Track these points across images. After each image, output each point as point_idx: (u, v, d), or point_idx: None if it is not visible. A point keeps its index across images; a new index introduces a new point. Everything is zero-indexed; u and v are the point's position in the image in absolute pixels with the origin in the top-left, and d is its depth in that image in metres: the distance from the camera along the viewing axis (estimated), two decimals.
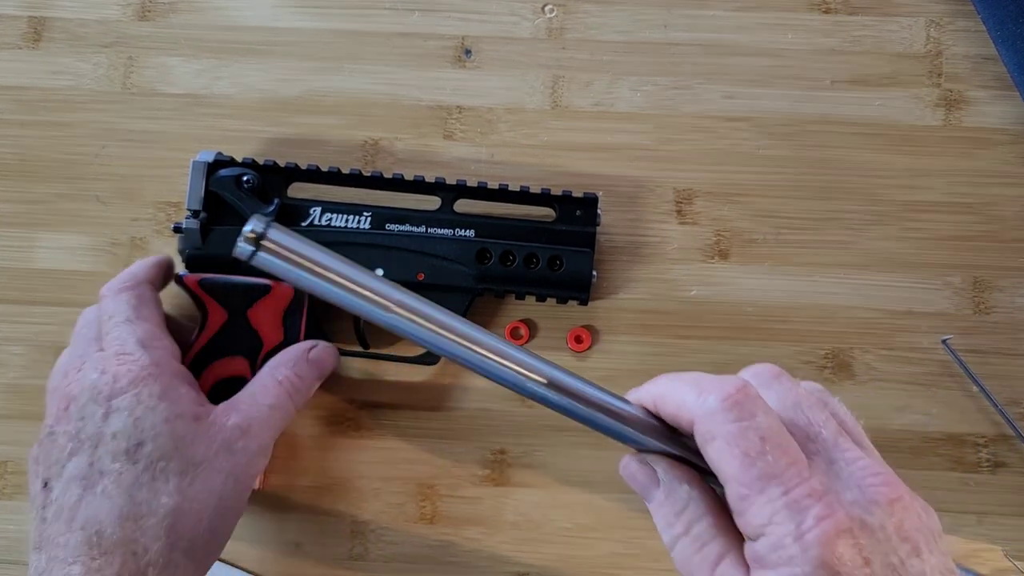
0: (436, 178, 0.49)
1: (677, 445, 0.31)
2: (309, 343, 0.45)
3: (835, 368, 0.52)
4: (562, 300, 0.49)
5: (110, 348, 0.40)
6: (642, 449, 0.32)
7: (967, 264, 0.53)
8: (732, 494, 0.27)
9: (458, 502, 0.50)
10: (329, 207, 0.48)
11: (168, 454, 0.37)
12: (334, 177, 0.48)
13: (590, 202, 0.49)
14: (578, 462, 0.51)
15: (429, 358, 0.49)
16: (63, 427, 0.39)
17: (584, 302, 0.49)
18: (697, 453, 0.30)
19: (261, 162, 0.48)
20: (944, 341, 0.52)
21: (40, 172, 0.54)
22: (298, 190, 0.50)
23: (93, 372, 0.39)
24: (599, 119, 0.55)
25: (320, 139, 0.54)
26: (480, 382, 0.51)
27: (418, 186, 0.49)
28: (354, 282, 0.32)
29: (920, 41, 0.56)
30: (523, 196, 0.49)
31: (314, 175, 0.49)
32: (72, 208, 0.54)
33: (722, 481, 0.28)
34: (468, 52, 0.56)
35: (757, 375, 0.31)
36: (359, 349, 0.50)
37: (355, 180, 0.49)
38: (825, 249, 0.53)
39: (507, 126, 0.54)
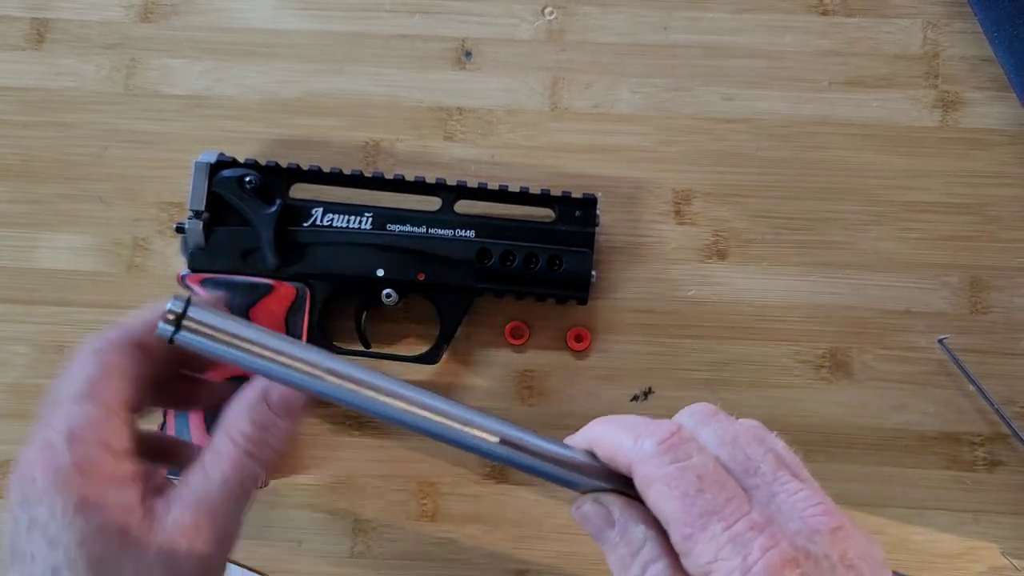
0: (437, 179, 0.49)
1: (625, 486, 0.31)
2: (264, 383, 0.36)
3: (832, 367, 0.52)
4: (561, 300, 0.49)
5: (41, 432, 0.33)
6: (592, 490, 0.32)
7: (964, 264, 0.53)
8: (676, 536, 0.27)
9: (459, 500, 0.50)
10: (331, 208, 0.48)
11: None
12: (336, 178, 0.49)
13: (589, 203, 0.49)
14: None
15: (429, 357, 0.49)
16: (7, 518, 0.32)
17: (583, 301, 0.50)
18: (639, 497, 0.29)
19: (263, 163, 0.49)
20: (941, 341, 0.52)
21: (42, 172, 0.55)
22: (300, 191, 0.50)
23: (22, 460, 0.32)
24: (598, 121, 0.55)
25: (321, 140, 0.55)
26: (481, 381, 0.52)
27: (419, 187, 0.49)
28: (284, 355, 0.31)
29: (917, 43, 0.56)
30: (523, 197, 0.49)
31: (316, 176, 0.49)
32: (74, 208, 0.54)
33: (665, 525, 0.28)
34: (468, 54, 0.56)
35: (693, 414, 0.31)
36: (360, 348, 0.50)
37: (357, 181, 0.49)
38: (823, 249, 0.53)
39: (507, 127, 0.55)
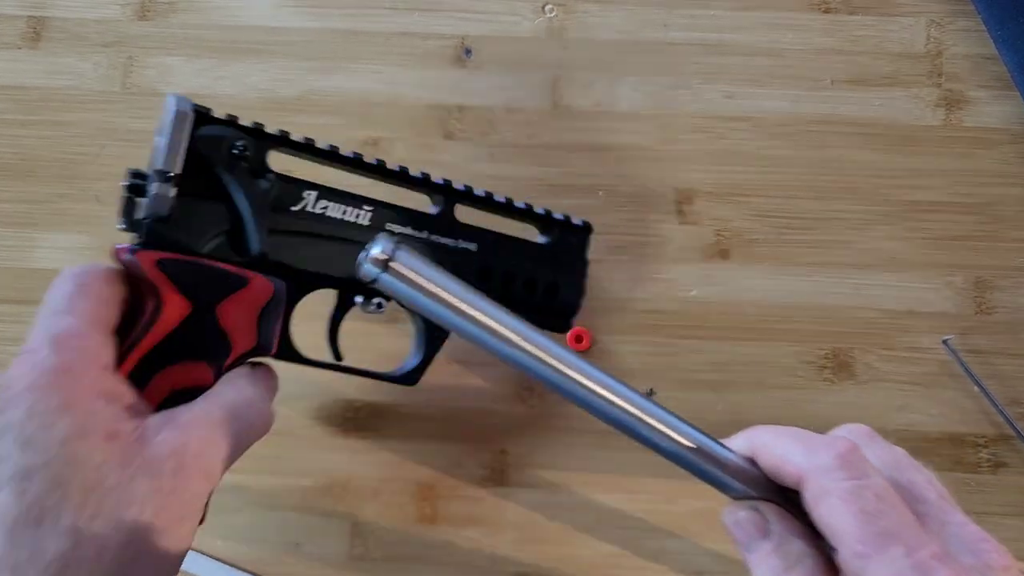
0: (443, 179, 0.44)
1: (781, 498, 0.30)
2: (249, 363, 0.37)
3: (835, 368, 0.52)
4: (542, 325, 0.43)
5: (22, 350, 0.31)
6: (747, 497, 0.31)
7: (968, 264, 0.53)
8: (848, 553, 0.26)
9: (458, 502, 0.50)
10: (327, 193, 0.40)
11: (62, 484, 0.28)
12: (331, 156, 0.41)
13: (585, 231, 0.48)
14: (578, 462, 0.51)
15: (411, 377, 0.44)
16: None
17: (565, 330, 0.48)
18: (799, 510, 0.28)
19: (249, 125, 0.39)
20: (945, 341, 0.52)
21: (39, 172, 0.54)
22: (280, 165, 0.43)
23: None
24: (599, 119, 0.54)
25: (320, 138, 0.54)
26: (480, 382, 0.51)
27: (421, 182, 0.43)
28: (484, 313, 0.31)
29: (920, 41, 0.56)
30: (526, 214, 0.46)
31: (306, 148, 0.41)
32: (72, 208, 0.54)
33: (834, 541, 0.27)
34: (468, 52, 0.56)
35: (851, 433, 0.31)
36: (329, 361, 0.43)
37: (354, 163, 0.41)
38: (826, 249, 0.53)
39: (507, 126, 0.54)
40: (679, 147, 0.54)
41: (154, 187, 0.35)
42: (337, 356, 0.43)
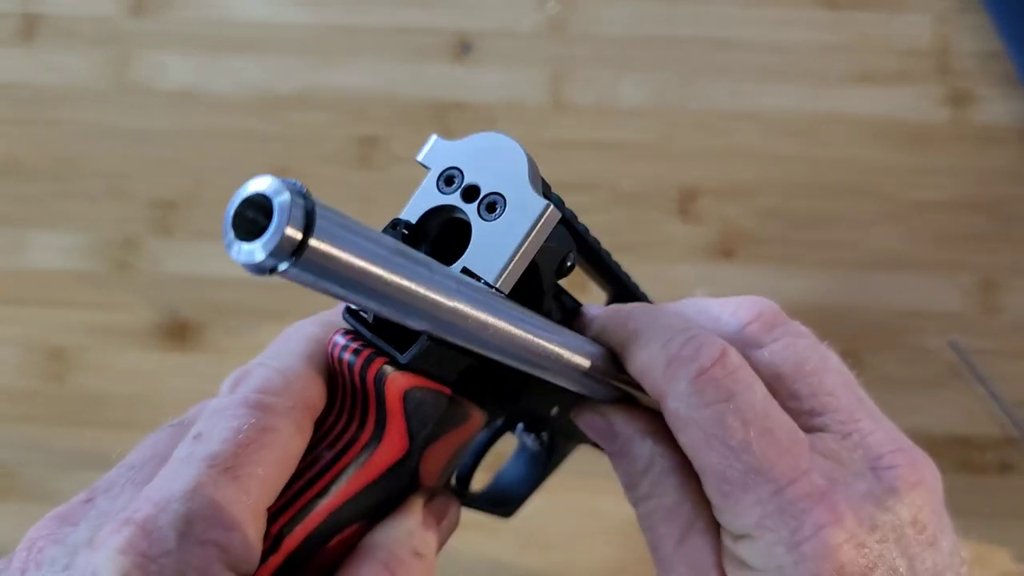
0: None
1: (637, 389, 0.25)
2: (420, 496, 0.25)
3: None
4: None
5: (140, 502, 0.19)
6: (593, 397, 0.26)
7: (976, 264, 0.52)
8: (711, 489, 0.23)
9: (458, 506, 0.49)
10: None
11: None
12: (603, 266, 0.30)
13: None
14: (580, 466, 0.50)
15: (503, 509, 0.35)
16: None
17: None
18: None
19: (558, 202, 0.25)
20: (952, 342, 0.51)
21: (32, 170, 0.54)
22: None
23: (46, 533, 0.20)
24: (601, 116, 0.54)
25: (316, 135, 0.54)
26: None
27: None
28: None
29: (927, 37, 0.55)
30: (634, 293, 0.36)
31: (591, 256, 0.29)
32: (64, 207, 0.53)
33: (699, 471, 0.23)
34: (467, 47, 0.55)
35: (757, 319, 0.25)
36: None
37: (612, 276, 0.31)
38: (831, 248, 0.52)
39: (507, 123, 0.54)
40: (682, 144, 0.54)
41: None
42: (467, 485, 0.33)
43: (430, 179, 0.24)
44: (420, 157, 0.24)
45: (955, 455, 0.50)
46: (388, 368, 0.22)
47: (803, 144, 0.54)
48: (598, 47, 0.55)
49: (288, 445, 0.21)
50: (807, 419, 0.23)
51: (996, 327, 0.51)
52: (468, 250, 0.23)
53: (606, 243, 0.55)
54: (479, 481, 0.33)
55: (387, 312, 0.19)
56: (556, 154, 0.53)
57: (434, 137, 0.24)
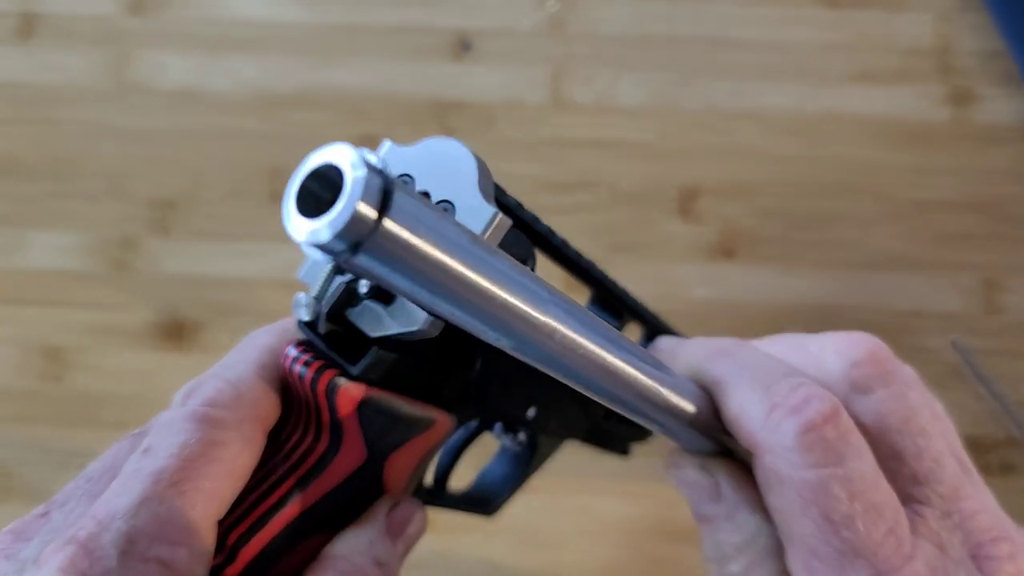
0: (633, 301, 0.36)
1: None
2: (384, 504, 0.25)
3: None
4: (608, 447, 0.38)
5: (81, 513, 0.20)
6: (692, 449, 0.24)
7: (977, 264, 0.52)
8: (797, 561, 0.20)
9: None
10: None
11: None
12: (574, 266, 0.30)
13: None
14: (577, 467, 0.50)
15: (484, 507, 0.35)
16: None
17: (626, 454, 0.40)
18: None
19: (528, 217, 0.26)
20: (953, 342, 0.51)
21: (30, 170, 0.53)
22: None
23: (27, 553, 0.20)
24: (601, 115, 0.54)
25: (315, 135, 0.53)
26: None
27: (636, 314, 0.35)
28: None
29: (928, 36, 0.55)
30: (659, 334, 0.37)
31: (558, 255, 0.29)
32: (62, 206, 0.53)
33: (784, 538, 0.20)
34: (467, 46, 0.55)
35: (857, 366, 0.22)
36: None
37: (586, 277, 0.32)
38: (832, 248, 0.52)
39: (507, 122, 0.54)
40: (683, 144, 0.53)
41: (422, 316, 0.21)
42: (444, 485, 0.32)
43: None
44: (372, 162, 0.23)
45: None
46: (340, 380, 0.22)
47: (804, 143, 0.53)
48: (598, 46, 0.55)
49: (237, 458, 0.21)
50: (907, 485, 0.21)
51: (997, 327, 0.51)
52: None
53: (606, 242, 0.54)
54: (464, 479, 0.33)
55: (463, 318, 0.17)
56: (556, 153, 0.53)
57: (387, 143, 0.23)
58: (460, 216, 0.21)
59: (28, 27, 0.55)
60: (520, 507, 0.49)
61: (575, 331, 0.19)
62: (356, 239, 0.14)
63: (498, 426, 0.32)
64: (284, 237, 0.53)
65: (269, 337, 0.23)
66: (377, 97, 0.54)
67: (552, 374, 0.20)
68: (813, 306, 0.52)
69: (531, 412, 0.30)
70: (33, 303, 0.52)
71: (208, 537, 0.20)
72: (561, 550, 0.49)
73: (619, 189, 0.53)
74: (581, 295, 0.31)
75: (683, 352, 0.24)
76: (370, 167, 0.14)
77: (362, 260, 0.14)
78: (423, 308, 0.17)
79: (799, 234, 0.52)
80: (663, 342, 0.25)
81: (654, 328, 0.37)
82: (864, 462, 0.20)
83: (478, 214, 0.21)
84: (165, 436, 0.20)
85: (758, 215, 0.53)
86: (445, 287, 0.16)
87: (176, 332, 0.51)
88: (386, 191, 0.14)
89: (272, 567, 0.22)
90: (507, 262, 0.17)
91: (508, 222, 0.21)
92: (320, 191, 0.14)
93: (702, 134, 0.54)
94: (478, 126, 0.54)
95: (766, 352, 0.23)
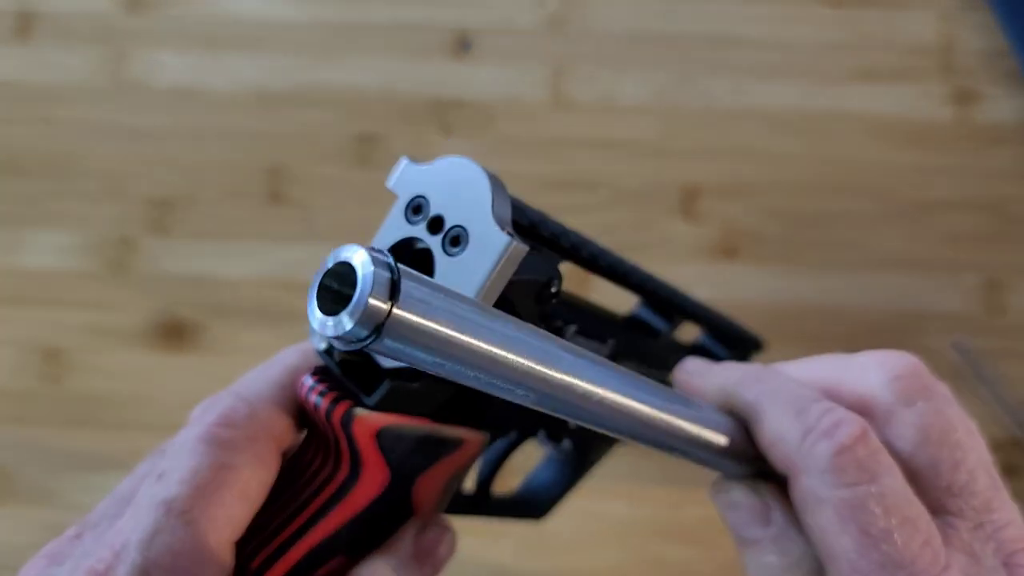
0: (680, 293, 0.35)
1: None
2: (411, 527, 0.25)
3: None
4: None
5: (103, 540, 0.20)
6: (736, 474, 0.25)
7: (980, 264, 0.52)
8: None
9: None
10: (585, 326, 0.29)
11: None
12: (606, 271, 0.30)
13: (754, 348, 0.41)
14: None
15: (533, 511, 0.35)
16: None
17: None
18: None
19: (554, 232, 0.25)
20: (954, 343, 0.51)
21: (28, 169, 0.53)
22: None
23: (34, 573, 0.21)
24: (602, 113, 0.53)
25: (314, 134, 0.53)
26: None
27: (665, 303, 0.34)
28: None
29: (931, 35, 0.55)
30: (720, 327, 0.38)
31: (591, 265, 0.28)
32: (60, 206, 0.53)
33: (825, 557, 0.21)
34: (467, 44, 0.55)
35: (892, 383, 0.23)
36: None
37: (618, 278, 0.30)
38: (834, 248, 0.52)
39: (507, 121, 0.53)
40: (684, 143, 0.53)
41: None
42: (487, 493, 0.32)
43: (398, 207, 0.23)
44: (390, 184, 0.23)
45: None
46: (356, 411, 0.22)
47: (806, 143, 0.53)
48: (599, 44, 0.54)
49: (250, 481, 0.21)
50: (941, 496, 0.22)
51: (1000, 327, 0.51)
52: None
53: (607, 242, 0.54)
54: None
55: (484, 383, 0.18)
56: (557, 152, 0.53)
57: (404, 161, 0.23)
58: (473, 244, 0.21)
59: (26, 26, 0.55)
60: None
61: (592, 383, 0.19)
62: (374, 326, 0.15)
63: (541, 433, 0.32)
64: (282, 237, 0.53)
65: (295, 357, 0.23)
66: (376, 96, 0.54)
67: (582, 423, 0.20)
68: (815, 306, 0.51)
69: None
70: (31, 303, 0.52)
71: (223, 561, 0.20)
72: (565, 553, 0.49)
73: (620, 189, 0.53)
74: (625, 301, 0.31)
75: (713, 377, 0.25)
76: (378, 263, 0.15)
77: (384, 345, 0.16)
78: (449, 379, 0.18)
79: (801, 234, 0.52)
80: (691, 364, 0.26)
81: (710, 324, 0.37)
82: (895, 479, 0.21)
83: (492, 242, 0.21)
84: (178, 460, 0.20)
85: (760, 215, 0.52)
86: (460, 359, 0.17)
87: (174, 332, 0.51)
88: (394, 283, 0.15)
89: (325, 562, 0.22)
90: (514, 327, 0.18)
91: (524, 249, 0.21)
92: (340, 288, 0.16)
93: (703, 133, 0.53)
94: (478, 125, 0.53)
95: (794, 378, 0.24)
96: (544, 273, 0.24)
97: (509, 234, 0.21)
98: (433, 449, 0.24)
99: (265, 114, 0.54)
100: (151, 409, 0.49)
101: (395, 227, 0.22)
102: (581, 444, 0.34)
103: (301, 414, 0.23)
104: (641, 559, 0.48)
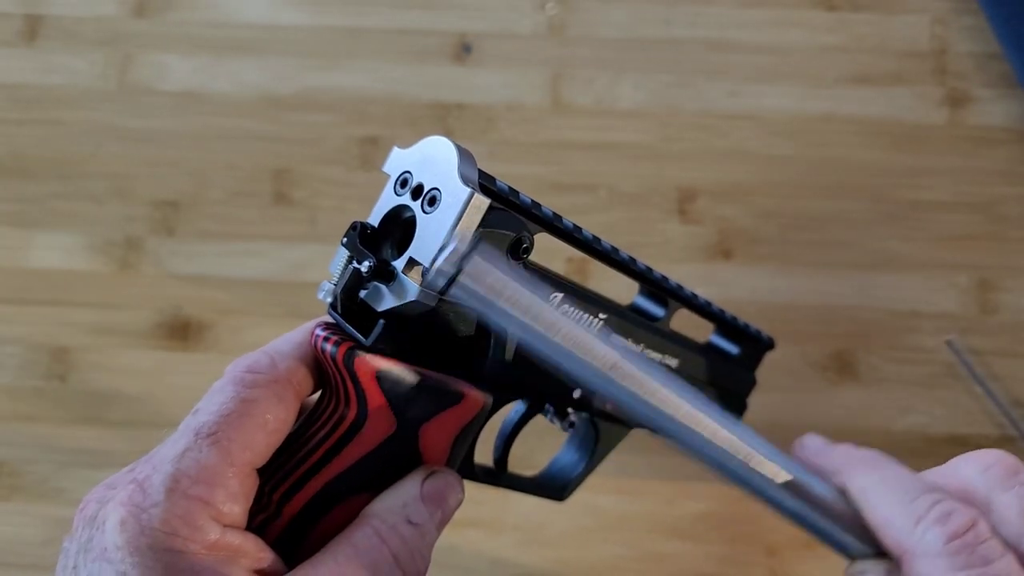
0: (675, 283, 0.38)
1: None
2: (421, 472, 0.28)
3: (838, 369, 0.51)
4: None
5: (147, 462, 0.24)
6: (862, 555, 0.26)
7: (972, 264, 0.52)
8: None
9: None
10: (571, 296, 0.31)
11: None
12: (589, 248, 0.32)
13: (765, 348, 0.43)
14: None
15: (559, 491, 0.38)
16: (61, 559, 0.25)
17: None
18: None
19: (528, 201, 0.28)
20: (948, 342, 0.51)
21: (35, 171, 0.54)
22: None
23: (99, 491, 0.25)
24: (600, 117, 0.54)
25: (318, 136, 0.54)
26: None
27: (658, 285, 0.37)
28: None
29: (924, 38, 0.55)
30: (728, 325, 0.41)
31: (570, 238, 0.31)
32: (67, 207, 0.53)
33: None
34: (468, 48, 0.55)
35: (988, 470, 0.25)
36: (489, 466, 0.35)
37: (603, 256, 0.33)
38: (829, 248, 0.52)
39: (507, 124, 0.54)
40: (681, 145, 0.54)
41: (414, 288, 0.25)
42: (503, 467, 0.35)
43: (389, 184, 0.26)
44: (384, 167, 0.26)
45: (952, 454, 0.49)
46: (357, 351, 0.25)
47: (801, 145, 0.54)
48: (597, 48, 0.55)
49: (267, 412, 0.25)
50: None
51: (993, 327, 0.51)
52: (413, 241, 0.25)
53: (609, 242, 0.54)
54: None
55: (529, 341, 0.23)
56: (556, 154, 0.53)
57: (395, 148, 0.26)
58: (444, 200, 0.25)
59: (32, 29, 0.56)
60: (523, 504, 0.49)
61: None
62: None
63: (550, 409, 0.34)
64: (287, 237, 0.54)
65: (316, 324, 0.27)
66: (379, 99, 0.54)
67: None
68: (810, 306, 0.52)
69: (577, 393, 0.33)
70: (38, 303, 0.52)
71: (244, 481, 0.24)
72: (563, 547, 0.49)
73: (618, 190, 0.53)
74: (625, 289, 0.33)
75: (832, 457, 0.27)
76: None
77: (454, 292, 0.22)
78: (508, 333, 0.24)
79: (796, 235, 0.53)
80: (810, 441, 0.28)
81: (705, 315, 0.39)
82: (1006, 561, 0.23)
83: (458, 196, 0.24)
84: (209, 396, 0.25)
85: (756, 216, 0.53)
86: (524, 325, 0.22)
87: (180, 331, 0.51)
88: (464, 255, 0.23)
89: (316, 522, 0.25)
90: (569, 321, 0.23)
91: (485, 201, 0.25)
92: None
93: (700, 136, 0.54)
94: (478, 128, 0.54)
95: (906, 469, 0.26)
96: (513, 229, 0.27)
97: (472, 188, 0.24)
98: (434, 398, 0.27)
99: (270, 117, 0.54)
100: (157, 407, 0.50)
101: (387, 200, 0.26)
102: (595, 422, 0.36)
103: (320, 370, 0.26)
104: (637, 553, 0.49)
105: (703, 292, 0.52)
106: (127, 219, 0.53)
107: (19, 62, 0.55)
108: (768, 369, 0.51)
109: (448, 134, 0.53)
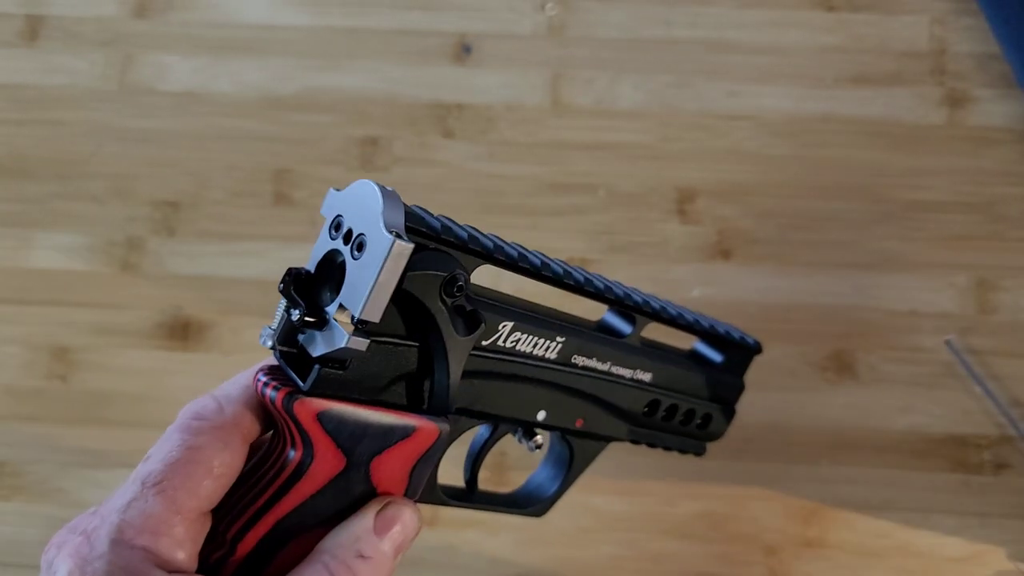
0: (641, 298, 0.37)
1: None
2: (375, 504, 0.27)
3: (837, 369, 0.51)
4: (683, 448, 0.41)
5: (98, 511, 0.25)
6: None
7: (971, 264, 0.52)
8: None
9: None
10: (522, 324, 0.31)
11: None
12: (537, 274, 0.31)
13: (753, 352, 0.43)
14: None
15: (540, 508, 0.37)
16: None
17: (701, 453, 0.42)
18: None
19: (464, 236, 0.28)
20: (947, 341, 0.51)
21: (36, 171, 0.54)
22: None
23: (58, 538, 0.25)
24: (600, 117, 0.54)
25: (318, 136, 0.54)
26: None
27: (622, 303, 0.36)
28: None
29: (923, 39, 0.55)
30: (707, 334, 0.41)
31: (514, 267, 0.30)
32: (68, 207, 0.53)
33: None
34: (468, 49, 0.55)
35: None
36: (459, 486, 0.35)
37: (557, 283, 0.32)
38: (828, 249, 0.53)
39: (507, 124, 0.54)
40: (680, 146, 0.54)
41: (343, 336, 0.25)
42: (473, 487, 0.35)
43: (325, 227, 0.26)
44: (322, 211, 0.27)
45: (951, 454, 0.50)
46: (296, 395, 0.25)
47: (800, 145, 0.54)
48: (597, 49, 0.55)
49: (214, 459, 0.25)
50: None
51: (991, 327, 0.52)
52: (343, 287, 0.25)
53: (604, 243, 0.55)
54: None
55: None
56: (555, 154, 0.54)
57: (330, 191, 0.26)
58: (370, 246, 0.24)
59: (33, 29, 0.56)
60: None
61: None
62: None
63: (518, 430, 0.34)
64: (287, 237, 0.55)
65: (259, 369, 0.27)
66: (379, 100, 0.55)
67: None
68: (809, 306, 0.52)
69: (542, 415, 0.33)
70: (39, 303, 0.53)
71: (191, 527, 0.24)
72: (561, 547, 0.49)
73: (617, 190, 0.53)
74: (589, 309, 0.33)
75: None
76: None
77: None
78: None
79: (795, 235, 0.53)
80: None
81: (679, 327, 0.39)
82: None
83: (381, 243, 0.24)
84: (159, 444, 0.25)
85: (754, 216, 0.53)
86: None
87: (181, 331, 0.51)
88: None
89: (270, 559, 0.26)
90: None
91: (408, 246, 0.24)
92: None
93: (699, 136, 0.54)
94: (478, 128, 0.54)
95: None
96: (445, 268, 0.26)
97: (395, 235, 0.24)
98: (382, 433, 0.27)
99: (270, 117, 0.54)
100: (158, 407, 0.50)
101: (323, 244, 0.26)
102: (568, 440, 0.36)
103: (267, 413, 0.27)
104: (636, 553, 0.49)
105: (701, 293, 0.52)
106: (128, 219, 0.53)
107: (20, 62, 0.55)
108: (767, 369, 0.51)
109: (448, 134, 0.54)
